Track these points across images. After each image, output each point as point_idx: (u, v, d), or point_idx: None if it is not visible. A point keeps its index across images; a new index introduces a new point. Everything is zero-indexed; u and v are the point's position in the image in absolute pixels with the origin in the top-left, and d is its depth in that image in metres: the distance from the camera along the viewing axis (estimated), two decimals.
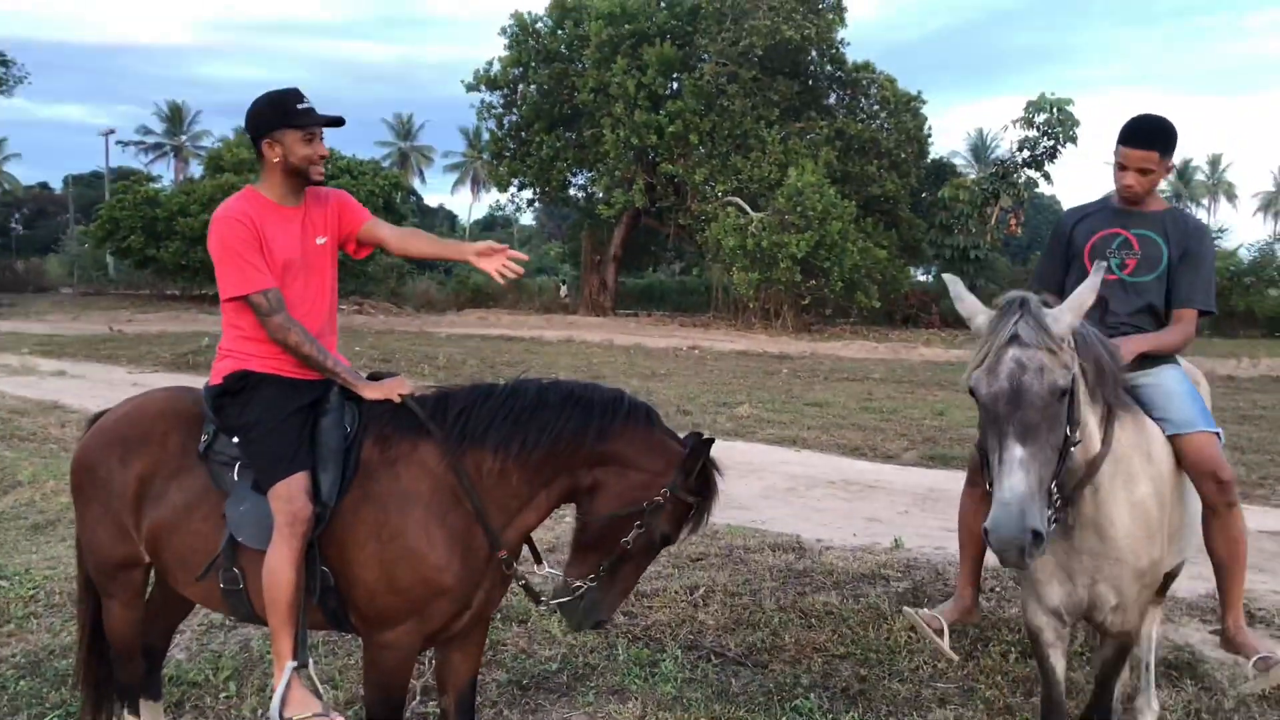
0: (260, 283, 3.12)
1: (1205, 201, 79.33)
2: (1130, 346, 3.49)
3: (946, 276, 3.04)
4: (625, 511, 2.92)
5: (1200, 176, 79.61)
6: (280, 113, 3.19)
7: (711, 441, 2.95)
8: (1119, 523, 3.12)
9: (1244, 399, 15.64)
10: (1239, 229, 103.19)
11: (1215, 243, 3.80)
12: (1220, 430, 3.54)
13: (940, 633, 3.69)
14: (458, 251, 3.43)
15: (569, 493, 3.04)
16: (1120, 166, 3.64)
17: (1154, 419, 3.43)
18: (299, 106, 3.19)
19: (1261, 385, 18.58)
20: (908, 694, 4.27)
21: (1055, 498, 2.84)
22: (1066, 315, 2.83)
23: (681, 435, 3.06)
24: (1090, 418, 2.99)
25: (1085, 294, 2.88)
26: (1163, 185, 3.94)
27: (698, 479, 2.94)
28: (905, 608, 4.13)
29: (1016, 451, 2.62)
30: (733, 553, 6.38)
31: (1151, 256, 3.64)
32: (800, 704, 4.11)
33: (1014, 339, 2.73)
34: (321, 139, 3.25)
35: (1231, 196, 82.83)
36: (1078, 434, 2.88)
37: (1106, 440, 3.06)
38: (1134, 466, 3.18)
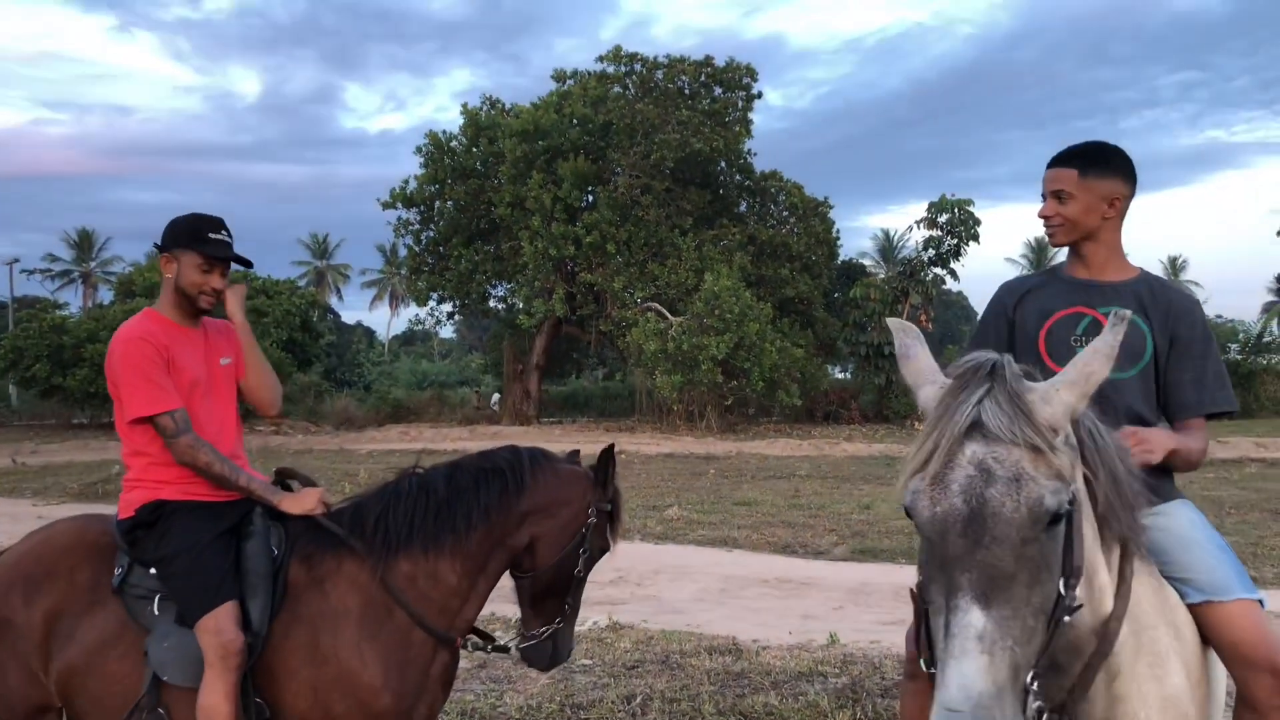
0: (168, 403, 3.03)
1: None
2: (1158, 441, 2.45)
3: (892, 322, 2.02)
4: (570, 548, 3.05)
5: None
6: (190, 234, 3.16)
7: (613, 448, 3.18)
8: None
9: None
10: None
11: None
12: (1263, 596, 2.49)
13: None
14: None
15: (506, 565, 3.09)
16: (1043, 199, 2.80)
17: (1169, 579, 2.40)
18: (211, 235, 3.16)
19: None
20: None
21: (1034, 697, 1.68)
22: (1064, 393, 1.78)
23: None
24: (1100, 563, 1.94)
25: (1096, 360, 1.82)
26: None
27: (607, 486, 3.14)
28: None
29: (974, 618, 1.61)
30: (669, 658, 6.30)
31: (1133, 344, 2.58)
32: None
33: (975, 427, 1.72)
34: (224, 275, 3.21)
35: None
36: (1077, 591, 1.78)
37: (1123, 596, 1.99)
38: (1161, 643, 2.13)
